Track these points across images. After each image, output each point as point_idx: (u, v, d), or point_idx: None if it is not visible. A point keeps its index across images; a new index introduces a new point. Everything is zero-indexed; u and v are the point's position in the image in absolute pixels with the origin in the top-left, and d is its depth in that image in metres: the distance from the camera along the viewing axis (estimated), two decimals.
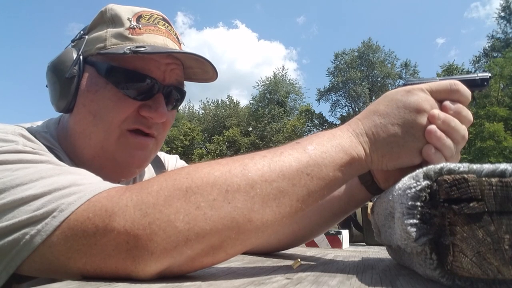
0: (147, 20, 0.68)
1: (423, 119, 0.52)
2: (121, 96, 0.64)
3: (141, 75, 0.65)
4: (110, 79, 0.64)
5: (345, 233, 1.32)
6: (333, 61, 31.83)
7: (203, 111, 34.81)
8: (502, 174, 0.36)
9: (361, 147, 0.52)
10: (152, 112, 0.66)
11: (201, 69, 0.72)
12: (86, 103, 0.65)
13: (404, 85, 0.57)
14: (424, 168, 0.39)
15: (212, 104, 34.84)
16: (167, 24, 0.71)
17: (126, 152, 0.67)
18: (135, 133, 0.67)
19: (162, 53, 0.65)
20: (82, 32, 0.70)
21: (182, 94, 0.73)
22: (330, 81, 31.55)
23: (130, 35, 0.65)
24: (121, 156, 0.67)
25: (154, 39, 0.66)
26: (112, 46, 0.64)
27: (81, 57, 0.65)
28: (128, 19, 0.67)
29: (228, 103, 34.28)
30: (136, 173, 0.73)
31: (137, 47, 0.61)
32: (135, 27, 0.66)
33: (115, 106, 0.64)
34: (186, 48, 0.78)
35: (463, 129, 0.53)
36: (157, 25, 0.69)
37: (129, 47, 0.61)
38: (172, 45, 0.69)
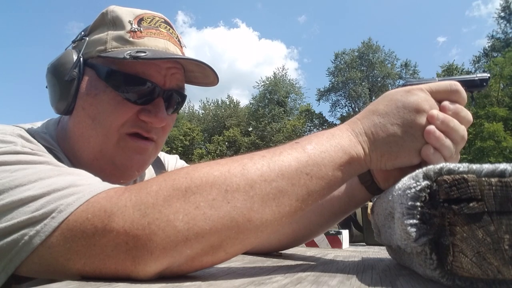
0: (149, 23, 0.68)
1: (422, 119, 0.52)
2: (120, 100, 0.64)
3: (141, 79, 0.65)
4: (110, 83, 0.64)
5: (345, 233, 1.31)
6: (333, 61, 31.84)
7: (203, 111, 34.80)
8: (502, 174, 0.36)
9: (360, 147, 0.52)
10: (152, 116, 0.66)
11: (202, 73, 0.72)
12: (86, 106, 0.65)
13: (404, 85, 0.57)
14: (424, 168, 0.39)
15: (212, 104, 34.84)
16: (168, 27, 0.71)
17: (125, 155, 0.67)
18: (134, 136, 0.67)
19: (162, 59, 0.65)
20: (82, 33, 0.70)
21: (182, 98, 0.73)
22: (330, 81, 31.56)
23: (131, 39, 0.65)
24: (120, 160, 0.67)
25: (155, 43, 0.66)
26: (112, 49, 0.64)
27: (81, 59, 0.65)
28: (129, 22, 0.66)
29: (228, 103, 34.25)
30: (135, 176, 0.72)
31: (137, 51, 0.61)
32: (136, 30, 0.66)
33: (114, 110, 0.64)
34: (187, 50, 0.77)
35: (462, 130, 0.53)
36: (159, 28, 0.69)
37: (129, 51, 0.61)
38: (174, 49, 0.69)
